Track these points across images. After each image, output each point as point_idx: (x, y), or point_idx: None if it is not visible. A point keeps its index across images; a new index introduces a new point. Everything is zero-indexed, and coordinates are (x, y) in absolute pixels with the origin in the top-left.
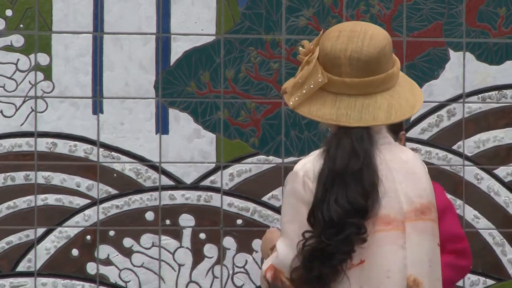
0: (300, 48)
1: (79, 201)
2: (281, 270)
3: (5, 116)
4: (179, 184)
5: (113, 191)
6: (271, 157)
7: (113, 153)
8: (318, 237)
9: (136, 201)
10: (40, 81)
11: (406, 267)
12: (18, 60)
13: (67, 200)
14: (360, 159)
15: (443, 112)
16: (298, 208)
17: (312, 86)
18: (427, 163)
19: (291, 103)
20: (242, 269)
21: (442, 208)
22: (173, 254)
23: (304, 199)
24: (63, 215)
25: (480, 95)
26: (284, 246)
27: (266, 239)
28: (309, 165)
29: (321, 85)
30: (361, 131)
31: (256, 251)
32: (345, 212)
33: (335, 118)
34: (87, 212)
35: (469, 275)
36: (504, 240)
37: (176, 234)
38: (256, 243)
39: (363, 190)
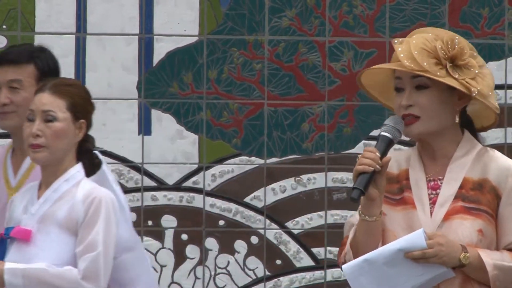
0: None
1: None
2: None
3: None
4: (161, 185)
5: None
6: (253, 158)
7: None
8: None
9: None
10: None
11: None
12: None
13: None
14: None
15: None
16: None
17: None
18: None
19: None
20: (224, 270)
21: None
22: (155, 255)
23: None
24: None
25: None
26: None
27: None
28: None
29: None
30: None
31: (239, 252)
32: None
33: None
34: None
35: None
36: None
37: (158, 235)
38: (238, 244)
39: None
